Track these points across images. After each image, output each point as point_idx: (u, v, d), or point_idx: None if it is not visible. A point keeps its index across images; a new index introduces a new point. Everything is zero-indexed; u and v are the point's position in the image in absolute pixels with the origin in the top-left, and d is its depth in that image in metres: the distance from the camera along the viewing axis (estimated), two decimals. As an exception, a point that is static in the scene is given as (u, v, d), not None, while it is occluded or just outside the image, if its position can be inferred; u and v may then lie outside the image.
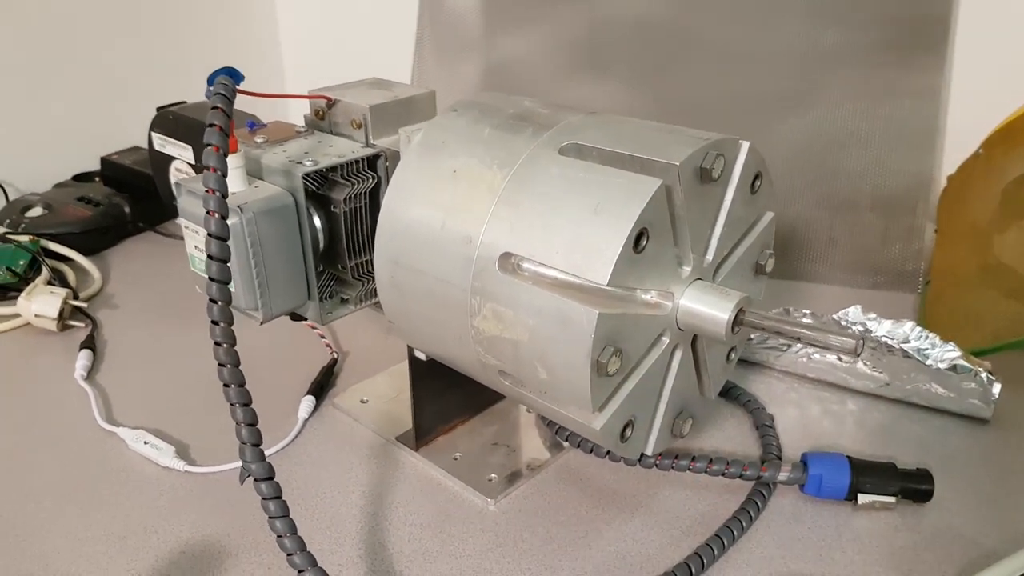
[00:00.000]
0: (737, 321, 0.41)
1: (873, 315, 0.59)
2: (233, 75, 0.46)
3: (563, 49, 0.98)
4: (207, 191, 0.42)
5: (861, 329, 0.59)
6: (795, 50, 0.85)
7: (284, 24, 1.27)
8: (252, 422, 0.42)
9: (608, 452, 0.54)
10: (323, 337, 0.70)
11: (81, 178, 1.01)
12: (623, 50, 0.95)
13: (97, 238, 0.90)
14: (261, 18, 1.26)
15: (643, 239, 0.38)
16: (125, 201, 0.93)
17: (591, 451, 0.55)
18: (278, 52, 1.29)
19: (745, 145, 0.43)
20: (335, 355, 0.68)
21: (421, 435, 0.57)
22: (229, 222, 0.45)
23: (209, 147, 0.43)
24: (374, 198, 0.53)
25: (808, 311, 0.60)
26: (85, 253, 0.86)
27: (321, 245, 0.53)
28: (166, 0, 1.11)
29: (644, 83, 0.93)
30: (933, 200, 0.80)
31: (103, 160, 0.98)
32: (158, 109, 0.79)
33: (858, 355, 0.37)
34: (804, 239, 0.82)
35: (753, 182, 0.45)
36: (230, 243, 0.44)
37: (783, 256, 0.81)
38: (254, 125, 0.56)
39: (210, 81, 0.46)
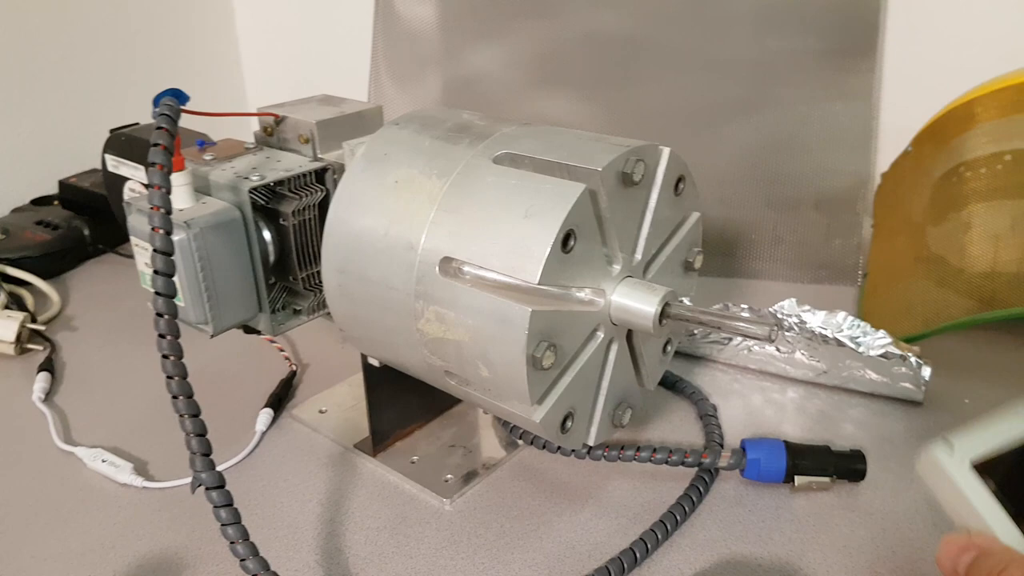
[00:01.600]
0: (664, 314, 0.43)
1: (807, 307, 0.62)
2: (178, 96, 0.48)
3: (521, 64, 1.01)
4: (152, 208, 0.43)
5: (796, 320, 0.61)
6: (739, 59, 0.88)
7: (244, 45, 1.29)
8: (201, 432, 0.43)
9: (560, 447, 0.56)
10: (282, 350, 0.71)
11: (40, 202, 1.01)
12: (578, 64, 0.97)
13: (56, 261, 0.90)
14: (221, 40, 1.27)
15: (571, 240, 0.40)
16: (84, 224, 0.94)
17: (543, 447, 0.57)
18: (239, 72, 1.30)
19: (666, 151, 0.45)
20: (294, 368, 0.69)
21: (378, 441, 0.59)
22: (176, 238, 0.47)
23: (153, 166, 0.44)
24: (323, 210, 0.55)
25: (746, 305, 0.63)
26: (45, 277, 0.86)
27: (271, 258, 0.54)
28: (124, 23, 1.12)
29: (599, 95, 0.96)
30: (870, 197, 0.83)
31: (61, 183, 0.99)
32: (111, 131, 0.80)
33: (772, 340, 0.39)
34: (751, 239, 0.84)
35: (676, 185, 0.47)
36: (178, 258, 0.46)
37: (732, 256, 0.84)
38: (203, 143, 0.58)
39: (155, 102, 0.47)
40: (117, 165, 0.78)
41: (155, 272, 0.43)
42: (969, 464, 0.31)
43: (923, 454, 0.32)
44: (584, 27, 0.96)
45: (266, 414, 0.62)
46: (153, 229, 0.43)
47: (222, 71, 1.28)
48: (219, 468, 0.44)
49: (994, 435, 0.32)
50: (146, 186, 0.50)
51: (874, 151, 0.83)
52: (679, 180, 0.47)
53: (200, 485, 0.43)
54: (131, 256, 0.91)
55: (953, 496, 0.32)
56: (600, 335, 0.45)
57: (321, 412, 0.64)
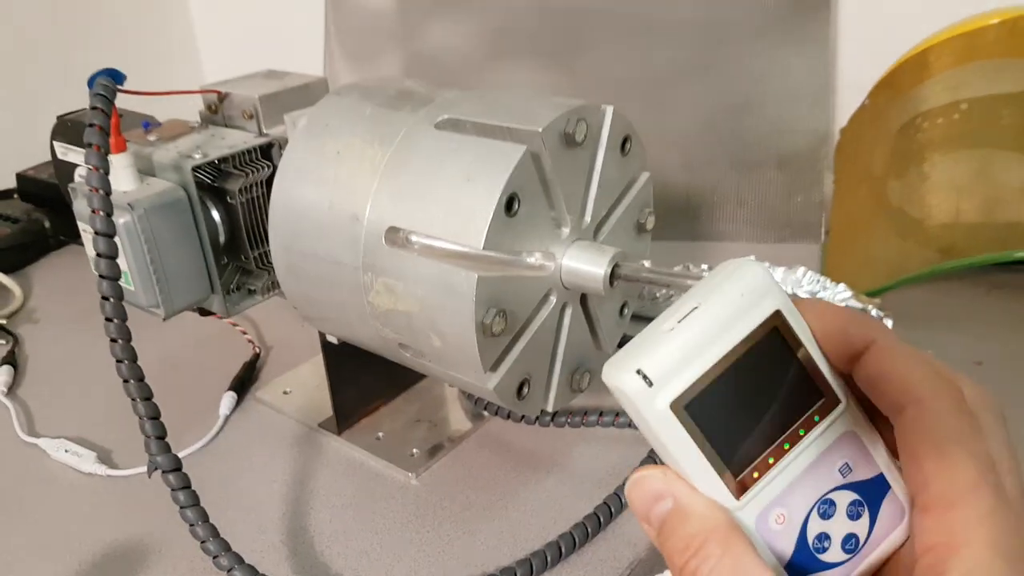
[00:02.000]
0: (614, 275, 0.42)
1: (767, 263, 0.61)
2: (115, 76, 0.47)
3: (476, 37, 1.00)
4: (91, 190, 0.43)
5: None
6: (694, 20, 0.88)
7: (199, 25, 1.27)
8: (154, 416, 0.43)
9: (523, 416, 0.55)
10: (245, 333, 0.70)
11: (-3, 196, 0.99)
12: (536, 34, 0.97)
13: (18, 255, 0.89)
14: (175, 20, 1.24)
15: (515, 203, 0.40)
16: (44, 216, 0.92)
17: (508, 417, 0.56)
18: (195, 53, 1.28)
19: (609, 109, 0.45)
20: (258, 350, 0.68)
21: (342, 419, 0.58)
22: (120, 220, 0.46)
23: (90, 147, 0.43)
24: (271, 187, 0.54)
25: (706, 266, 0.63)
26: (6, 271, 0.85)
27: (222, 238, 0.53)
28: (75, 6, 1.10)
29: (556, 64, 0.95)
30: (831, 154, 0.83)
31: (19, 176, 0.97)
32: (58, 117, 0.78)
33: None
34: (714, 201, 0.84)
35: (623, 144, 0.46)
36: (124, 241, 0.45)
37: (696, 219, 0.84)
38: (148, 125, 0.57)
39: (90, 83, 0.46)
40: (66, 152, 0.76)
41: (98, 255, 0.43)
42: (668, 407, 0.24)
43: (611, 374, 0.25)
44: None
45: (229, 397, 0.62)
46: (93, 211, 0.43)
47: (178, 52, 1.26)
48: (183, 453, 0.43)
49: (696, 367, 0.24)
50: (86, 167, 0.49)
51: (833, 106, 0.83)
52: (625, 140, 0.46)
53: (156, 468, 0.43)
54: (91, 246, 0.91)
55: (649, 432, 0.25)
56: (552, 299, 0.45)
57: (285, 393, 0.63)
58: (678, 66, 0.88)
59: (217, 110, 0.56)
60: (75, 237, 0.92)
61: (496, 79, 0.98)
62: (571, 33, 0.94)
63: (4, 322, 0.76)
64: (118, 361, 0.43)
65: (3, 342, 0.74)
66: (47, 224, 0.92)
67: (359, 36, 1.06)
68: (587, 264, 0.43)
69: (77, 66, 1.08)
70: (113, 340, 0.43)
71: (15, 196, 0.98)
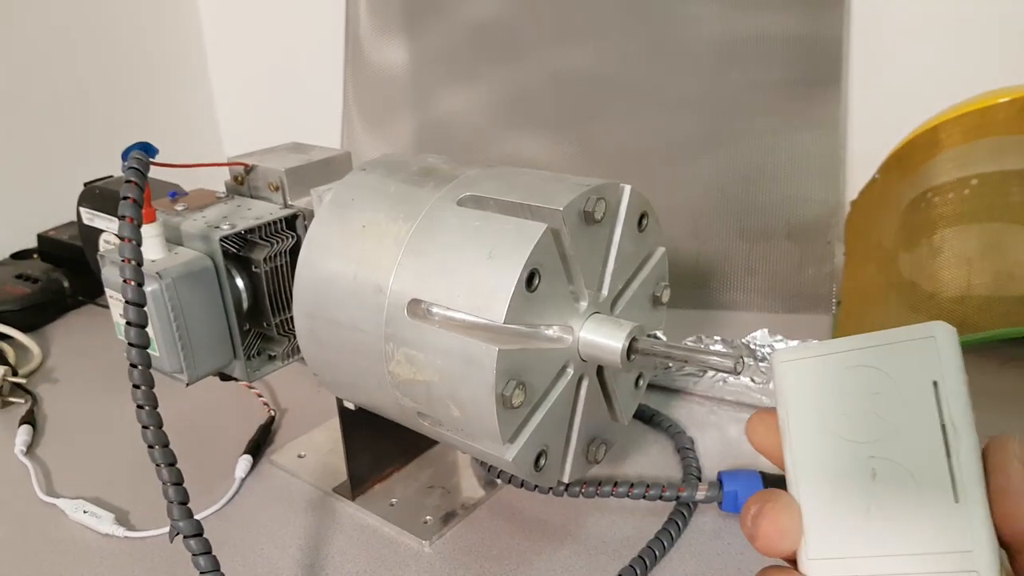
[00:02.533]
0: (632, 349, 0.43)
1: (780, 336, 0.62)
2: (147, 149, 0.49)
3: (491, 107, 1.02)
4: (123, 260, 0.44)
5: (769, 351, 0.62)
6: (705, 94, 0.90)
7: (219, 96, 1.30)
8: (178, 481, 0.43)
9: (537, 485, 0.56)
10: (260, 396, 0.71)
11: (19, 255, 1.01)
12: (546, 104, 0.99)
13: (37, 314, 0.90)
14: (196, 91, 1.28)
15: (535, 279, 0.41)
16: (63, 276, 0.94)
17: (521, 485, 0.57)
18: (214, 123, 1.31)
19: (627, 188, 0.46)
20: (273, 413, 0.69)
21: (356, 484, 0.59)
22: (148, 288, 0.47)
23: (124, 219, 0.45)
24: (294, 256, 0.55)
25: (719, 337, 0.63)
26: (25, 330, 0.86)
27: (245, 304, 0.55)
28: (101, 76, 1.13)
29: (568, 134, 0.98)
30: (841, 225, 0.84)
31: (40, 236, 0.99)
32: (85, 184, 0.80)
33: (738, 372, 0.40)
34: (724, 271, 0.85)
35: (640, 221, 0.48)
36: (151, 308, 0.46)
37: (705, 288, 0.85)
38: (175, 194, 0.58)
39: (124, 156, 0.48)
40: (92, 217, 0.78)
41: (128, 323, 0.44)
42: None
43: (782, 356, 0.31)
44: (550, 68, 0.98)
45: (245, 460, 0.62)
46: (125, 281, 0.44)
47: (198, 122, 1.30)
48: (199, 516, 0.44)
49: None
50: (119, 238, 0.51)
51: (843, 179, 0.85)
52: (642, 216, 0.48)
53: (178, 534, 0.43)
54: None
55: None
56: (570, 372, 0.45)
57: (300, 457, 0.64)
58: (689, 137, 0.91)
59: (243, 181, 0.58)
60: (93, 297, 0.94)
61: (508, 148, 1.01)
62: (583, 103, 0.97)
63: (23, 381, 0.77)
64: (144, 427, 0.43)
65: (22, 401, 0.74)
66: (66, 284, 0.94)
67: (376, 102, 1.09)
68: (605, 338, 0.44)
69: (99, 133, 1.12)
70: (140, 407, 0.43)
71: (35, 256, 1.00)
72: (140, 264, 0.44)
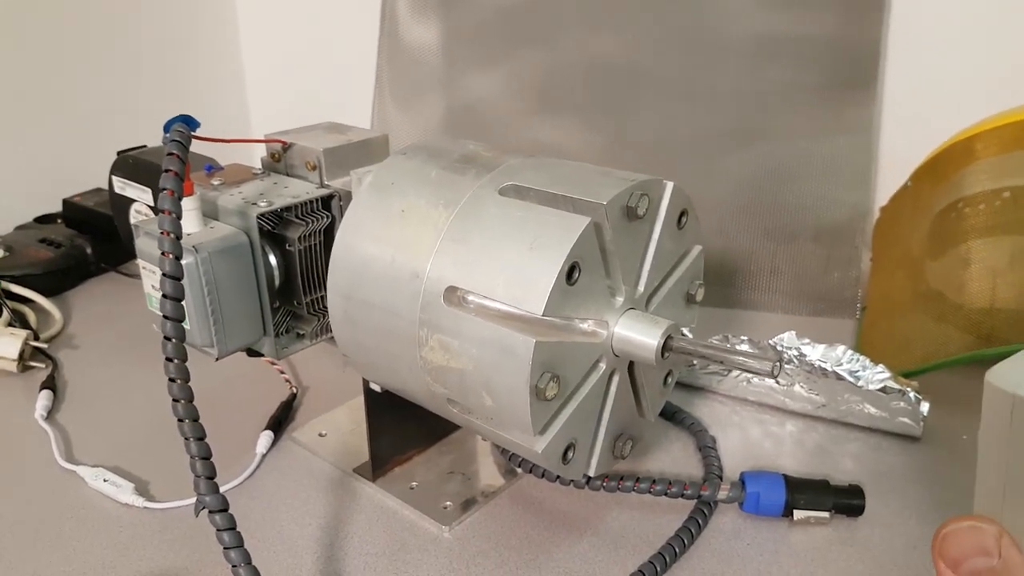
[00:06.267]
0: (666, 347, 0.43)
1: (807, 340, 0.62)
2: (189, 122, 0.49)
3: (522, 91, 1.02)
4: (162, 233, 0.44)
5: (796, 353, 0.61)
6: (739, 90, 0.90)
7: (249, 69, 1.30)
8: (206, 455, 0.44)
9: (559, 476, 0.56)
10: (283, 372, 0.71)
11: (43, 220, 1.01)
12: (578, 91, 0.99)
13: (59, 279, 0.91)
14: (226, 63, 1.28)
15: (575, 272, 0.41)
16: (87, 242, 0.94)
17: (543, 476, 0.57)
18: (243, 97, 1.31)
19: (670, 185, 0.46)
20: (295, 390, 0.69)
21: (378, 466, 0.59)
22: (184, 262, 0.47)
23: (164, 191, 0.45)
24: (328, 236, 0.55)
25: (746, 337, 0.63)
26: (47, 294, 0.87)
27: (277, 282, 0.55)
28: (131, 47, 1.13)
29: (599, 123, 0.97)
30: (869, 230, 0.84)
31: (65, 202, 1.00)
32: (118, 153, 0.80)
33: (775, 376, 0.40)
34: (749, 270, 0.85)
35: (680, 218, 0.48)
36: (185, 282, 0.46)
37: (730, 286, 0.85)
38: (211, 168, 0.58)
39: (166, 128, 0.48)
40: (124, 187, 0.79)
41: (164, 296, 0.44)
42: None
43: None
44: (584, 55, 0.98)
45: (266, 436, 0.63)
46: (163, 254, 0.44)
47: (226, 95, 1.29)
48: (221, 490, 0.44)
49: None
50: (154, 210, 0.51)
51: (873, 184, 0.84)
52: (682, 214, 0.48)
53: (204, 508, 0.44)
54: (133, 275, 0.93)
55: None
56: (602, 366, 0.45)
57: (321, 435, 0.64)
58: (719, 132, 0.90)
59: (280, 159, 0.58)
60: (116, 265, 0.94)
61: (537, 134, 1.00)
62: (614, 92, 0.96)
63: (45, 346, 0.77)
64: (175, 400, 0.44)
65: (43, 366, 0.75)
66: (89, 251, 0.94)
67: (409, 82, 1.09)
68: (640, 334, 0.44)
69: (128, 102, 1.12)
70: (172, 379, 0.44)
71: (59, 221, 1.01)
72: (179, 238, 0.44)
